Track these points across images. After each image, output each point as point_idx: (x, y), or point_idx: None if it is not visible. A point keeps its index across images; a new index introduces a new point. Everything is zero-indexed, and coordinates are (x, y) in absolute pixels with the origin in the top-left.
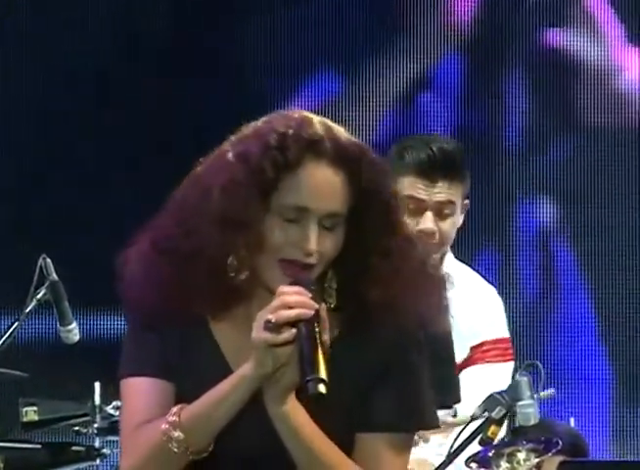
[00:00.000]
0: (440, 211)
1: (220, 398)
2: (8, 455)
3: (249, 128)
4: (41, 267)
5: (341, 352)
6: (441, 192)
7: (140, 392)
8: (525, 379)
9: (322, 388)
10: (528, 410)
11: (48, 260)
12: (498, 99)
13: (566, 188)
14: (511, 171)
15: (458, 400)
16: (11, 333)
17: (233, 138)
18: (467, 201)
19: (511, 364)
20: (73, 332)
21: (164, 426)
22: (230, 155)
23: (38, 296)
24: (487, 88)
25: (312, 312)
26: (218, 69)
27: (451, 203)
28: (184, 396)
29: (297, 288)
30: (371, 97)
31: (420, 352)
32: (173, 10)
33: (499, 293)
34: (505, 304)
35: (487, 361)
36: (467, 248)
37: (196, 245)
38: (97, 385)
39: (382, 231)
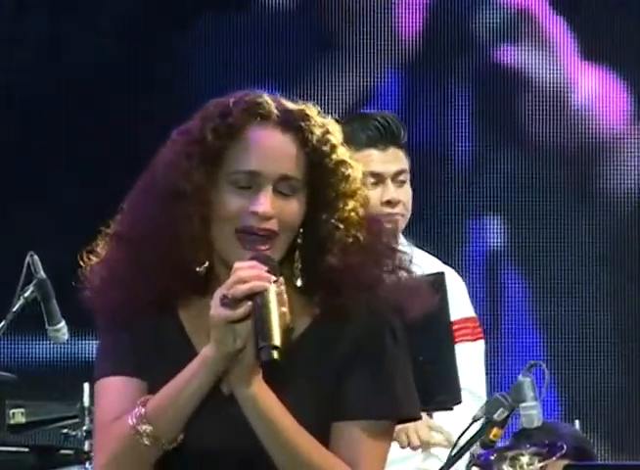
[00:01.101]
0: (397, 181)
1: (183, 382)
2: None
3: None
4: (29, 265)
5: (315, 339)
6: (394, 160)
7: (111, 390)
8: (529, 380)
9: (275, 354)
10: (532, 412)
11: (36, 258)
12: (443, 116)
13: (514, 207)
14: (457, 190)
15: (459, 401)
16: None
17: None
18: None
19: (481, 342)
20: (62, 331)
21: (132, 420)
22: (175, 132)
23: (25, 294)
24: (432, 105)
25: (267, 285)
26: (155, 84)
27: (404, 171)
28: (155, 388)
29: (252, 262)
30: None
31: (394, 338)
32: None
33: None
34: None
35: (460, 341)
36: None
37: (148, 229)
38: (86, 386)
39: (336, 196)
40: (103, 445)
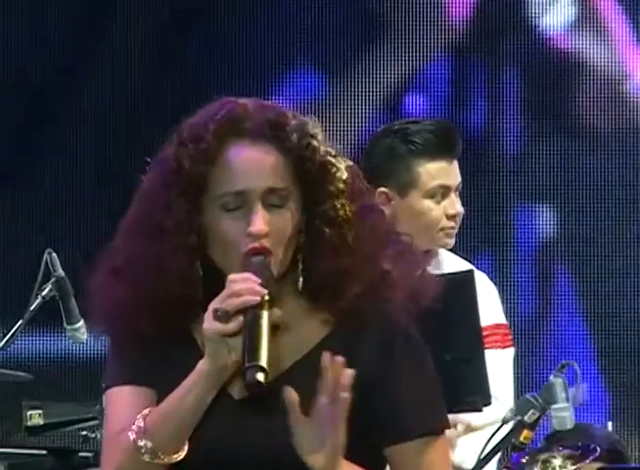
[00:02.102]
0: (458, 192)
1: (180, 397)
2: (11, 461)
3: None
4: (46, 263)
5: (332, 349)
6: (456, 171)
7: (119, 400)
8: (560, 381)
9: (260, 376)
10: (564, 414)
11: (54, 255)
12: (493, 101)
13: (565, 196)
14: (506, 178)
15: (489, 402)
16: (14, 332)
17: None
18: None
19: (511, 350)
20: (81, 331)
21: (132, 435)
22: (155, 160)
23: (43, 293)
24: (481, 91)
25: (258, 298)
26: (200, 65)
27: (460, 183)
28: None
29: (245, 274)
30: (355, 97)
31: (409, 345)
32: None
33: None
34: None
35: (490, 347)
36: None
37: (140, 265)
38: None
39: (323, 197)
40: (109, 457)
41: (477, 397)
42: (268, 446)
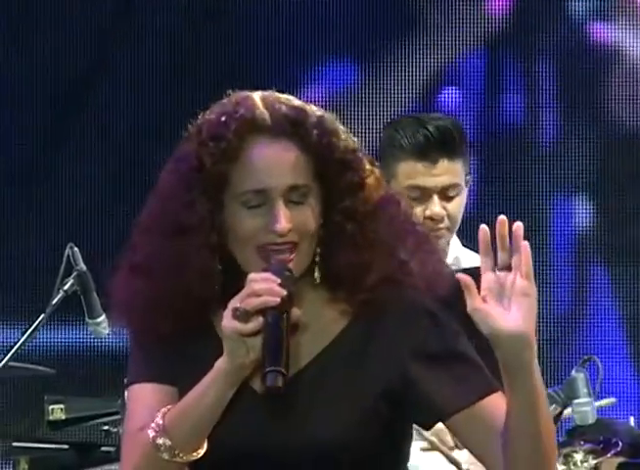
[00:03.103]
0: (446, 195)
1: (199, 395)
2: (33, 456)
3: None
4: (68, 257)
5: (351, 341)
6: (444, 173)
7: (140, 397)
8: (582, 376)
9: (280, 381)
10: (585, 409)
11: (75, 249)
12: (529, 93)
13: (602, 188)
14: (542, 168)
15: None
16: (36, 326)
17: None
18: (469, 176)
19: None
20: (102, 325)
21: (151, 433)
22: (173, 158)
23: (65, 287)
24: (517, 82)
25: (278, 300)
26: (233, 54)
27: (456, 185)
28: None
29: (265, 274)
30: (389, 88)
31: (435, 323)
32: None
33: None
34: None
35: None
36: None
37: (160, 262)
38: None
39: (344, 193)
40: (128, 454)
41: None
42: (292, 439)
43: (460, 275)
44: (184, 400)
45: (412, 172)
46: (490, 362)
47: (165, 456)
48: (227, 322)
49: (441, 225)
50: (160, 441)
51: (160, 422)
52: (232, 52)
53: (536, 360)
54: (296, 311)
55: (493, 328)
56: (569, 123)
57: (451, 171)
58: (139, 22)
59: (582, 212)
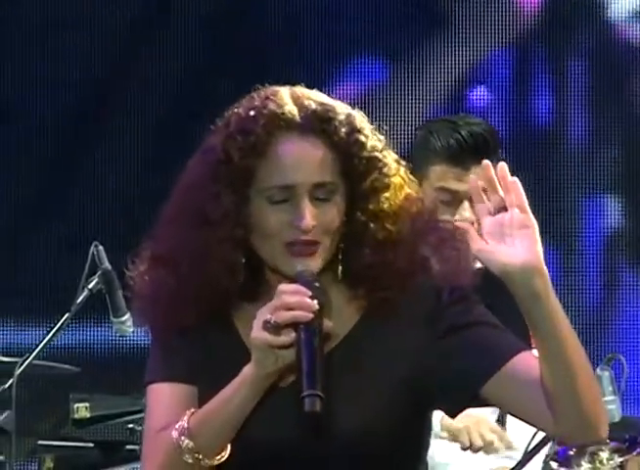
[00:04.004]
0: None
1: (225, 400)
2: (58, 454)
3: (221, 120)
4: (93, 256)
5: (368, 330)
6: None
7: (160, 397)
8: (607, 374)
9: (318, 406)
10: (611, 407)
11: (100, 248)
12: (558, 93)
13: (634, 187)
14: (572, 169)
15: None
16: (61, 325)
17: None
18: None
19: None
20: (127, 323)
21: (174, 434)
22: (200, 150)
23: (90, 286)
24: (547, 81)
25: (311, 316)
26: (264, 51)
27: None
28: (212, 395)
29: (296, 286)
30: (418, 86)
31: (457, 294)
32: None
33: (559, 299)
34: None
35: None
36: None
37: (184, 254)
38: None
39: (369, 192)
40: (149, 455)
41: None
42: (320, 431)
43: (458, 223)
44: (209, 405)
45: (444, 177)
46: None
47: (189, 459)
48: (257, 333)
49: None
50: (183, 443)
51: (185, 425)
52: (263, 49)
53: (551, 288)
54: (327, 322)
55: (501, 263)
56: (598, 124)
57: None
58: (169, 20)
59: (612, 213)
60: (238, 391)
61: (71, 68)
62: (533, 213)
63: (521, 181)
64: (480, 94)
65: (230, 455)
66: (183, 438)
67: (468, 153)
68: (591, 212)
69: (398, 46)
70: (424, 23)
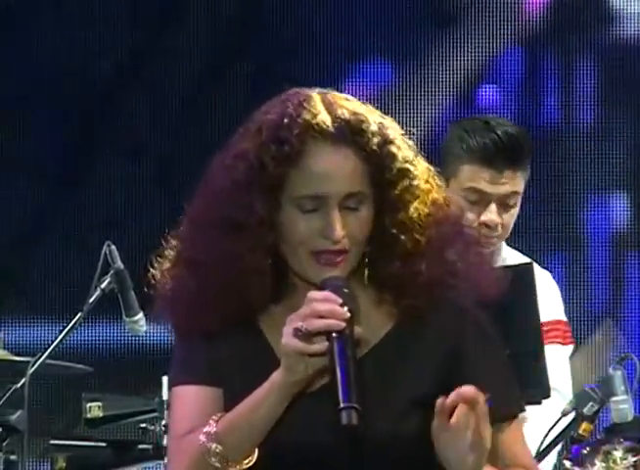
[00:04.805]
0: (505, 203)
1: (253, 405)
2: (70, 454)
3: (249, 122)
4: (105, 255)
5: (396, 345)
6: (507, 183)
7: (185, 400)
8: (619, 373)
9: (355, 418)
10: (623, 406)
11: (113, 247)
12: (567, 92)
13: (639, 185)
14: (581, 167)
15: (547, 396)
16: (74, 324)
17: (238, 133)
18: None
19: (571, 347)
20: (140, 323)
21: (202, 438)
22: (229, 154)
23: (102, 285)
24: (555, 81)
25: (343, 325)
26: (271, 52)
27: (516, 193)
28: (237, 398)
29: (326, 293)
30: (427, 87)
31: (483, 331)
32: None
33: (566, 298)
34: (572, 310)
35: (550, 342)
36: (536, 249)
37: (211, 257)
38: (165, 379)
39: (398, 202)
40: (175, 458)
41: (536, 390)
42: (347, 436)
43: (440, 401)
44: (238, 409)
45: (475, 177)
46: (524, 364)
47: (216, 463)
48: (288, 340)
49: (495, 233)
50: (211, 446)
51: (214, 430)
52: (270, 50)
53: None
54: (358, 329)
55: (444, 450)
56: (607, 122)
57: (514, 181)
58: (177, 23)
59: (620, 210)
60: (267, 396)
61: (79, 65)
62: (542, 211)
63: (530, 179)
64: (488, 93)
65: (258, 459)
66: (211, 442)
67: (502, 155)
68: (599, 209)
69: (407, 46)
70: (432, 23)
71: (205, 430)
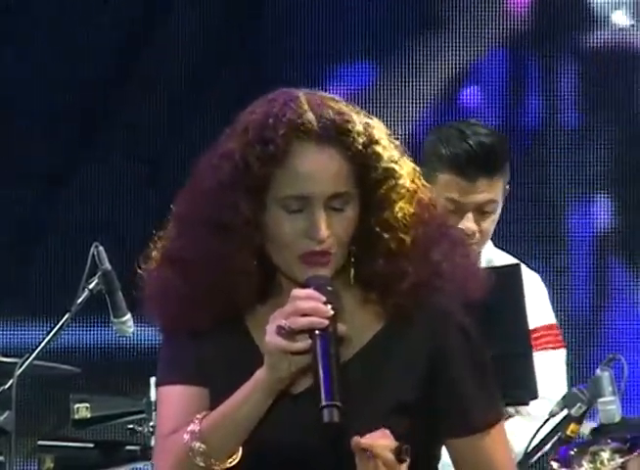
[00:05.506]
0: (482, 210)
1: (237, 403)
2: (58, 455)
3: (236, 122)
4: (93, 256)
5: (383, 347)
6: (482, 191)
7: (171, 400)
8: (607, 374)
9: (336, 416)
10: (611, 407)
11: (100, 249)
12: (549, 94)
13: (623, 188)
14: (562, 169)
15: (535, 397)
16: (62, 325)
17: (225, 133)
18: (507, 186)
19: (563, 351)
20: (127, 324)
21: (186, 437)
22: (215, 155)
23: (90, 286)
24: (537, 82)
25: (326, 322)
26: (255, 55)
27: (493, 201)
28: (222, 397)
29: (309, 291)
30: (410, 89)
31: (468, 338)
32: None
33: (552, 299)
34: (555, 314)
35: (542, 348)
36: (519, 253)
37: (198, 256)
38: (152, 380)
39: (384, 202)
40: (161, 457)
41: (523, 390)
42: (330, 437)
43: (356, 440)
44: (221, 408)
45: (450, 186)
46: (511, 365)
47: (200, 462)
48: (271, 338)
49: (472, 240)
50: (194, 445)
51: (197, 428)
52: (254, 53)
53: None
54: (341, 327)
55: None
56: (590, 123)
57: (490, 189)
58: (167, 24)
59: (603, 214)
60: (250, 395)
61: (74, 68)
62: (524, 214)
63: (511, 181)
64: (471, 95)
65: (242, 459)
66: (195, 441)
67: (475, 165)
68: (581, 213)
69: (391, 48)
70: (414, 24)
71: (189, 429)
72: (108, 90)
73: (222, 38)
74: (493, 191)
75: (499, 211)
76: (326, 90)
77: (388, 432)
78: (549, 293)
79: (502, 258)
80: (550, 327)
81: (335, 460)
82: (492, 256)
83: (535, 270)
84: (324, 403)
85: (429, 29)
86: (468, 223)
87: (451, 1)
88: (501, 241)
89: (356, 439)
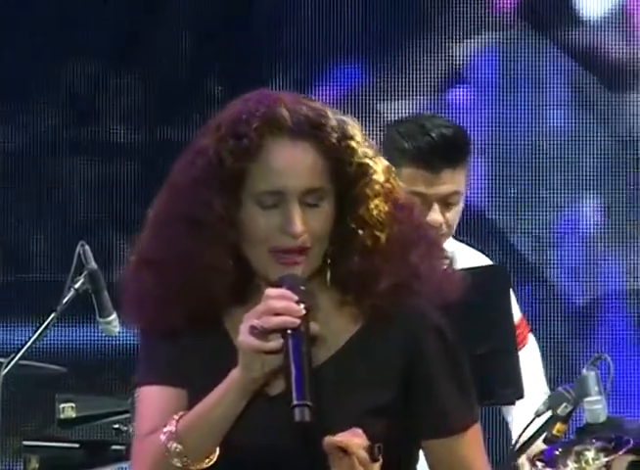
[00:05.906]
0: (447, 202)
1: (212, 404)
2: (43, 455)
3: (210, 120)
4: (79, 255)
5: (359, 350)
6: (445, 183)
7: (148, 400)
8: (593, 374)
9: (307, 416)
10: (597, 407)
11: (87, 248)
12: (539, 92)
13: (612, 187)
14: (553, 168)
15: (521, 396)
16: (47, 325)
17: (200, 131)
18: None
19: (532, 339)
20: (113, 323)
21: (162, 437)
22: (190, 152)
23: (76, 285)
24: (527, 80)
25: (297, 322)
26: (241, 54)
27: (457, 192)
28: (200, 398)
29: (282, 291)
30: (400, 89)
31: (445, 341)
32: None
33: (542, 298)
34: (547, 311)
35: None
36: (509, 250)
37: (172, 255)
38: None
39: (359, 199)
40: (138, 458)
41: (509, 390)
42: (305, 442)
43: (329, 439)
44: (197, 408)
45: (415, 179)
46: (498, 364)
47: (177, 463)
48: (244, 338)
49: (440, 232)
50: (171, 445)
51: (173, 429)
52: (242, 54)
53: None
54: (314, 326)
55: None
56: (579, 123)
57: (454, 180)
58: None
59: (592, 212)
60: (224, 395)
61: (61, 65)
62: (514, 212)
63: (501, 180)
64: (461, 94)
65: (218, 460)
66: (171, 441)
67: (438, 156)
68: (571, 210)
69: (381, 48)
70: (403, 24)
71: (165, 429)
72: (107, 89)
73: (209, 40)
74: (457, 182)
75: (462, 203)
76: (315, 90)
77: (360, 431)
78: (541, 289)
79: (464, 252)
80: (521, 321)
81: (308, 462)
82: (454, 249)
83: (502, 265)
84: (295, 403)
85: (419, 29)
86: (435, 215)
87: (440, 1)
88: (492, 237)
89: (329, 438)
